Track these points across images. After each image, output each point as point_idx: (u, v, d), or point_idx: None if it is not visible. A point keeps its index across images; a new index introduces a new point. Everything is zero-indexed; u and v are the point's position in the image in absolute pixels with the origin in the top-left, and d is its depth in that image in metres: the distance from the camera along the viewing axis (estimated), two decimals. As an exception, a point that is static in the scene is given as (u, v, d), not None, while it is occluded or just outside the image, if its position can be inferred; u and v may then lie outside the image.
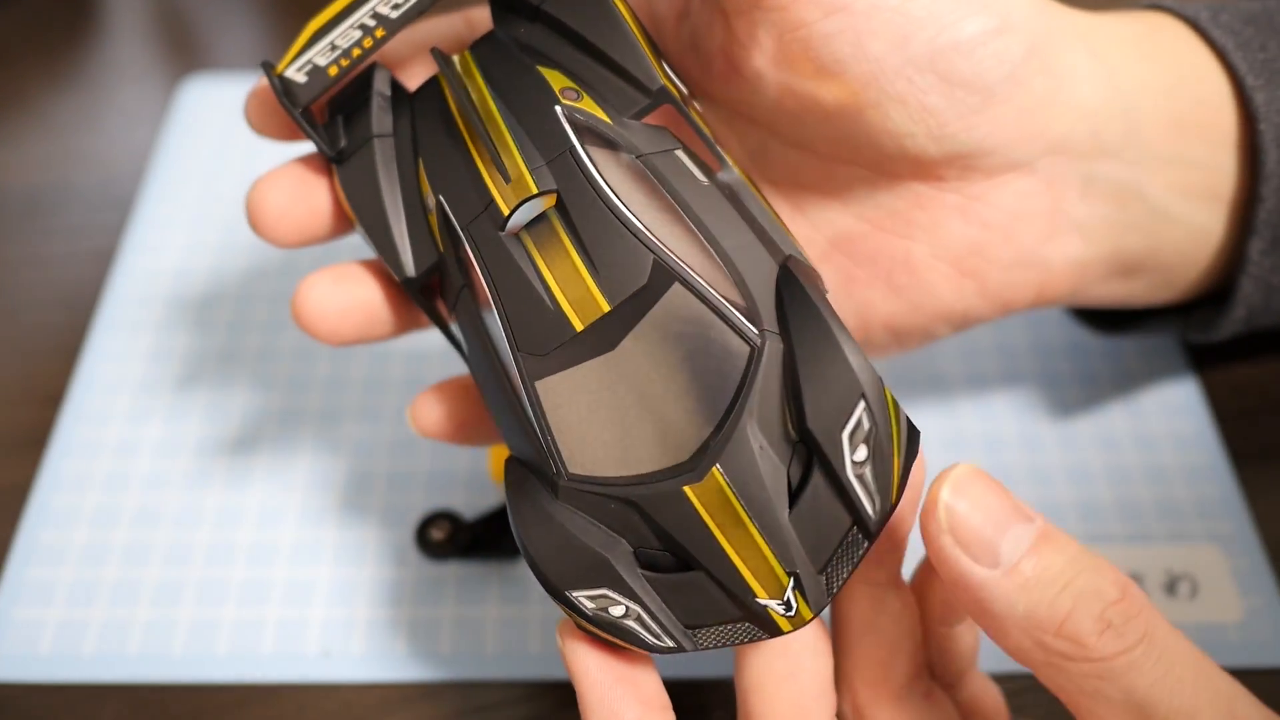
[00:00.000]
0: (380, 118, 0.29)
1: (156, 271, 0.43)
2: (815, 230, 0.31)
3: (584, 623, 0.24)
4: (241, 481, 0.37)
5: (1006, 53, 0.28)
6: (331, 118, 0.29)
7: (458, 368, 0.40)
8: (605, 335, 0.25)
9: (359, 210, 0.28)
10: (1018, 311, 0.32)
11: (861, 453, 0.23)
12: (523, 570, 0.35)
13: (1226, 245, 0.32)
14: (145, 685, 0.33)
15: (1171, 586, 0.34)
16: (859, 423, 0.23)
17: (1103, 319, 0.37)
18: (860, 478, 0.23)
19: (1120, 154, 0.30)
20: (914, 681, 0.27)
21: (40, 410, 0.39)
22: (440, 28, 0.32)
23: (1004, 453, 0.38)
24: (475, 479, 0.37)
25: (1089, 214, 0.30)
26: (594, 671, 0.25)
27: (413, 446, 0.38)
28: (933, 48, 0.27)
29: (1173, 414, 0.39)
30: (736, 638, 0.24)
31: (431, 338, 0.41)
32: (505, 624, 0.34)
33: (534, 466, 0.25)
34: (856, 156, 0.30)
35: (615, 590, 0.24)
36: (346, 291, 0.29)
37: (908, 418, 0.24)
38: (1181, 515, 0.36)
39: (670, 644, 0.24)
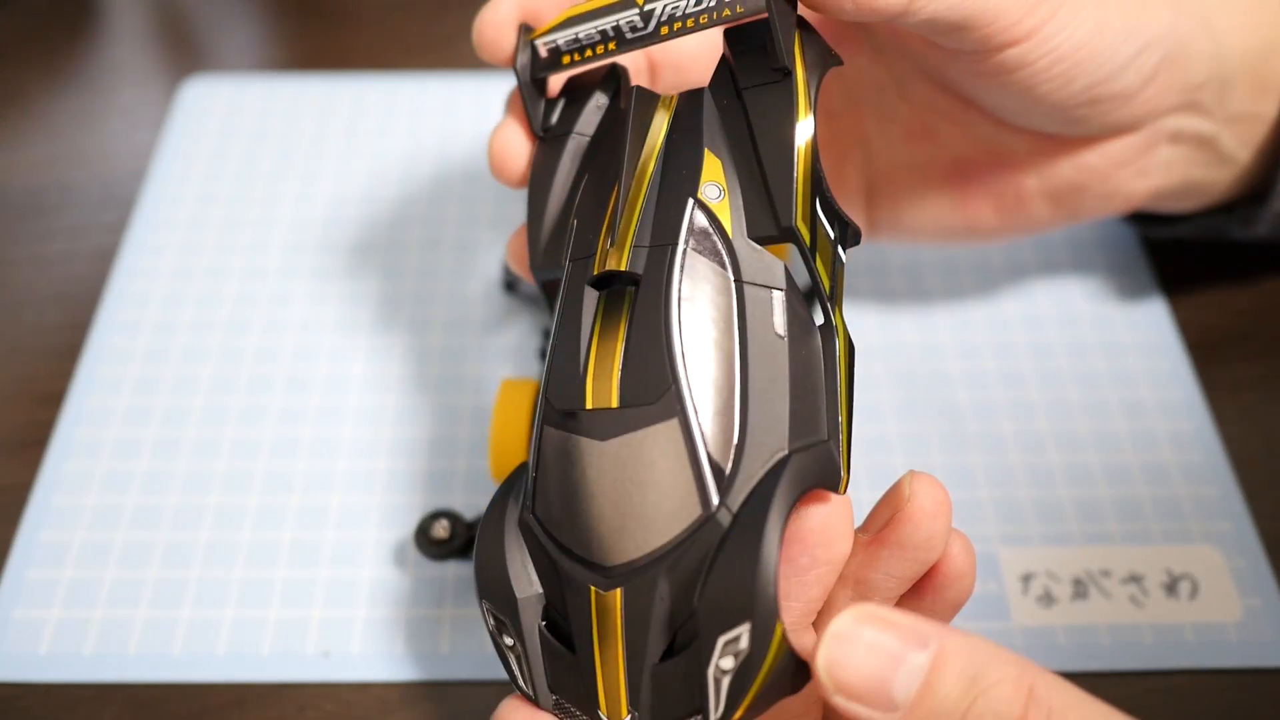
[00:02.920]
0: (590, 118, 0.30)
1: (156, 271, 0.43)
2: (940, 151, 0.37)
3: (488, 629, 0.27)
4: (241, 481, 0.37)
5: (1145, 65, 0.32)
6: (561, 94, 0.31)
7: (456, 369, 0.40)
8: (602, 426, 0.25)
9: (531, 188, 0.30)
10: (1091, 221, 0.39)
11: (729, 663, 0.24)
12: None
13: (1268, 162, 0.37)
14: (145, 685, 0.33)
15: (1171, 586, 0.34)
16: (737, 638, 0.23)
17: (1147, 217, 0.41)
18: (718, 681, 0.24)
19: (1210, 113, 0.35)
20: None
21: (40, 410, 0.39)
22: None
23: (1004, 453, 0.38)
24: (475, 479, 0.37)
25: (1172, 155, 0.36)
26: None
27: (413, 446, 0.38)
28: (1091, 81, 0.31)
29: (1173, 414, 0.39)
30: None
31: (431, 339, 0.41)
32: (505, 624, 0.34)
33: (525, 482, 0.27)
34: (994, 113, 0.34)
35: (511, 626, 0.26)
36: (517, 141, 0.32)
37: (795, 661, 0.24)
38: (1181, 515, 0.36)
39: (529, 693, 0.26)
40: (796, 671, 0.24)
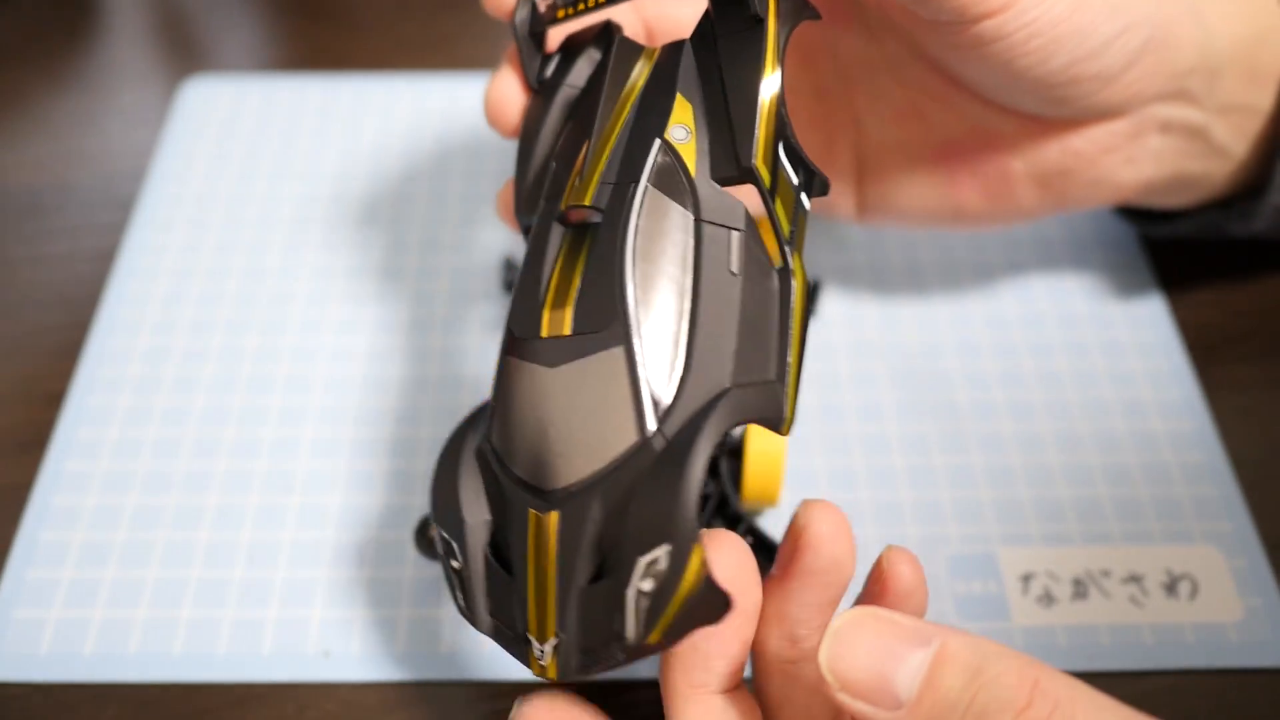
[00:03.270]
0: (581, 71, 0.31)
1: (156, 271, 0.43)
2: (929, 132, 0.36)
3: (439, 554, 0.28)
4: (241, 481, 0.37)
5: (1127, 46, 0.32)
6: (560, 49, 0.32)
7: (456, 369, 0.40)
8: (554, 353, 0.26)
9: (522, 139, 0.31)
10: (1080, 210, 0.38)
11: (648, 584, 0.24)
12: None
13: (1265, 156, 0.36)
14: (145, 685, 0.33)
15: (1171, 586, 0.34)
16: (656, 560, 0.24)
17: (1143, 211, 0.41)
18: (637, 602, 0.24)
19: (1200, 102, 0.35)
20: None
21: (40, 410, 0.39)
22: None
23: (1004, 453, 0.38)
24: (475, 479, 0.37)
25: (1162, 145, 0.35)
26: None
27: (413, 446, 0.38)
28: (1071, 58, 0.31)
29: (1173, 414, 0.39)
30: (514, 650, 0.26)
31: (431, 339, 0.41)
32: (505, 624, 0.34)
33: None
34: (979, 91, 0.34)
35: (458, 549, 0.27)
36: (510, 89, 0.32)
37: (715, 590, 0.23)
38: (1181, 515, 0.36)
39: (469, 617, 0.27)
40: (716, 601, 0.24)
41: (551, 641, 0.25)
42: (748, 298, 0.26)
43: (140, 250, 0.44)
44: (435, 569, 0.35)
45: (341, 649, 0.33)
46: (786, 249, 0.27)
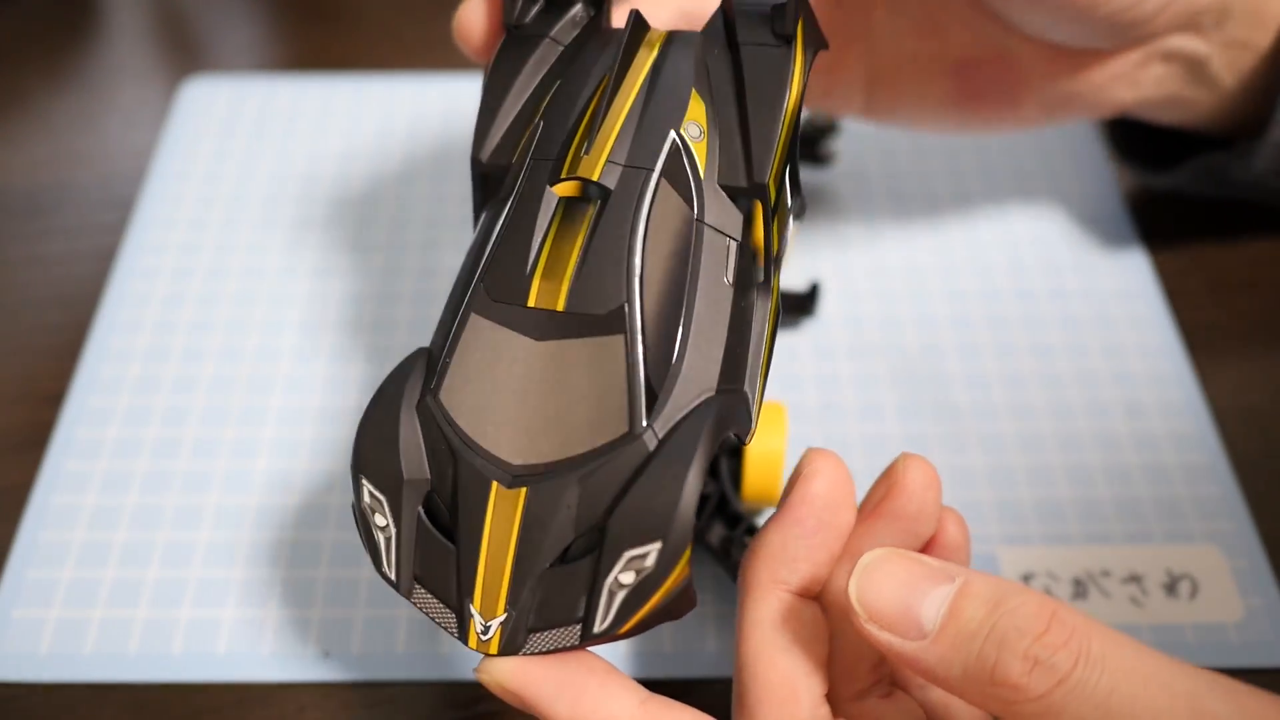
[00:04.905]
0: (567, 27, 0.30)
1: (156, 271, 0.43)
2: (947, 49, 0.38)
3: (355, 506, 0.27)
4: (241, 481, 0.37)
5: None
6: None
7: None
8: (541, 326, 0.26)
9: (490, 80, 0.30)
10: (1076, 121, 0.41)
11: (629, 578, 0.24)
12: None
13: (1263, 95, 0.38)
14: (145, 685, 0.33)
15: (1171, 586, 0.34)
16: (644, 555, 0.24)
17: (1149, 159, 0.43)
18: (611, 593, 0.24)
19: (1204, 35, 0.37)
20: (874, 686, 0.27)
21: (40, 410, 0.39)
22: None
23: (1004, 453, 0.38)
24: (475, 479, 0.37)
25: (1164, 72, 0.38)
26: (535, 671, 0.25)
27: (413, 446, 0.38)
28: (1110, 10, 0.33)
29: (1173, 414, 0.39)
30: (439, 618, 0.26)
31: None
32: (505, 624, 0.34)
33: (430, 367, 0.27)
34: (1014, 25, 0.36)
35: (389, 506, 0.26)
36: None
37: (689, 588, 0.24)
38: (1181, 515, 0.36)
39: (391, 578, 0.26)
40: (685, 600, 0.24)
41: (500, 618, 0.25)
42: (735, 308, 0.26)
43: (140, 250, 0.44)
44: (435, 569, 0.35)
45: (341, 649, 0.33)
46: (770, 267, 0.27)
